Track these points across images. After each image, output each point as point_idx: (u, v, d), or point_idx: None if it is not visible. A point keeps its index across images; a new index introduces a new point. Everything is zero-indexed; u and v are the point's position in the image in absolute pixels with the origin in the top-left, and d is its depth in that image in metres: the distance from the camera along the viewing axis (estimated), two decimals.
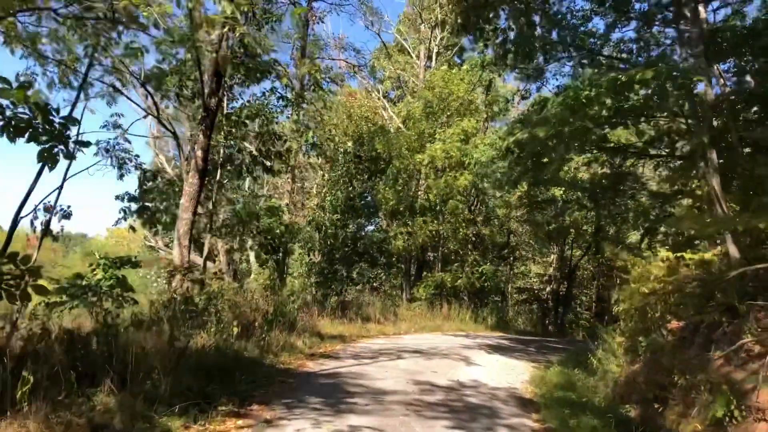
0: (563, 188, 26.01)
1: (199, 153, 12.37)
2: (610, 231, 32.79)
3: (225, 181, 14.67)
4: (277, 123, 14.13)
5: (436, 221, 24.27)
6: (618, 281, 41.10)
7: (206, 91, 12.56)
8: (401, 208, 24.76)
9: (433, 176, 24.10)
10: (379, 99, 29.20)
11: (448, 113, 24.81)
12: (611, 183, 24.52)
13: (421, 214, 24.32)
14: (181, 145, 12.83)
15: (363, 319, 17.45)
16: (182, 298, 10.31)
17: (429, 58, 30.77)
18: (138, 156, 14.01)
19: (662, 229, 26.79)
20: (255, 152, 14.31)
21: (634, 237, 34.99)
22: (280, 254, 15.02)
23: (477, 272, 24.68)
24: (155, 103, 12.58)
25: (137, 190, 13.76)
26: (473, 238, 25.14)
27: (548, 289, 36.82)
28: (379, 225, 29.29)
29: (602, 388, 10.11)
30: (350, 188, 26.11)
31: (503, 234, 27.47)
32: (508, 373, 11.97)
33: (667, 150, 20.79)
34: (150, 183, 13.87)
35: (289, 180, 18.50)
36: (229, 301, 12.03)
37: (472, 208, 25.68)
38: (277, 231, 13.46)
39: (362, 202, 26.67)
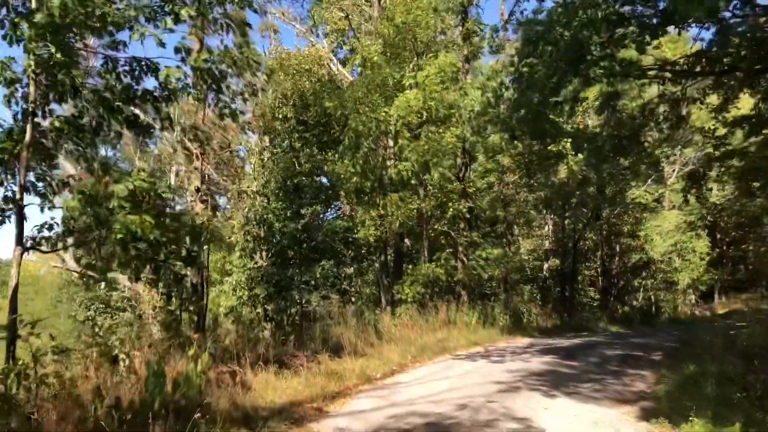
0: (570, 139, 20.29)
1: None
2: (608, 192, 27.17)
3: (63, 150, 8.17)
4: (137, 30, 7.67)
5: (416, 197, 18.14)
6: (620, 249, 35.71)
7: None
8: (367, 185, 18.53)
9: (407, 135, 17.85)
10: (324, 50, 22.78)
11: (418, 51, 18.62)
12: (638, 124, 18.89)
13: (394, 190, 18.16)
14: None
15: (331, 352, 11.20)
16: None
17: None
18: None
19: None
20: (105, 92, 7.88)
21: (634, 195, 29.57)
22: (173, 272, 8.73)
23: (479, 258, 18.68)
24: None
25: None
26: (467, 215, 19.04)
27: (545, 266, 31.16)
28: (341, 210, 23.11)
29: None
30: (294, 167, 19.85)
31: (501, 206, 21.41)
32: None
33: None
34: None
35: (196, 149, 12.10)
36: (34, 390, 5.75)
37: (463, 175, 19.58)
38: (151, 236, 6.98)
39: (315, 182, 20.40)
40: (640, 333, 18.97)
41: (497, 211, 19.19)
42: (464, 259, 19.31)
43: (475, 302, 18.60)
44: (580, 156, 20.78)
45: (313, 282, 19.95)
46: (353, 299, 22.19)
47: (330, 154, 20.02)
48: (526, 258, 29.09)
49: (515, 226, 25.89)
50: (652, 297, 36.07)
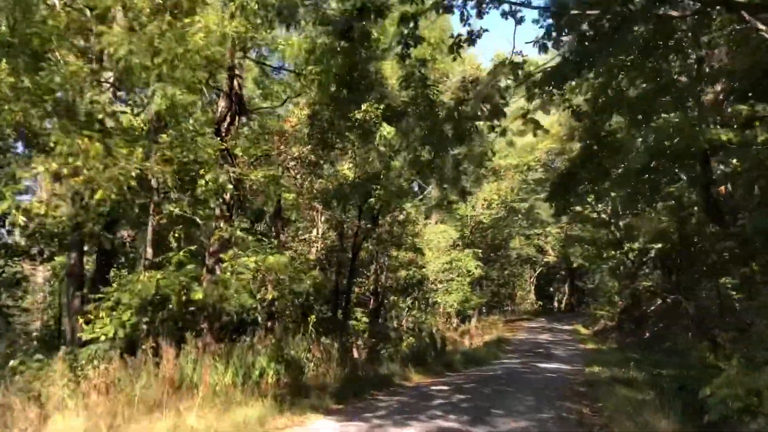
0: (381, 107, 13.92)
1: None
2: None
3: None
4: None
5: (140, 149, 9.84)
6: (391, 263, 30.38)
7: None
8: (44, 117, 9.69)
9: (124, 25, 9.45)
10: None
11: None
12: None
13: (99, 131, 9.67)
14: None
15: None
16: None
17: None
18: None
19: None
20: None
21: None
22: None
23: (242, 266, 11.01)
24: None
25: None
26: (229, 193, 11.22)
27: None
28: None
29: None
30: None
31: (283, 188, 13.79)
32: None
33: None
34: None
35: None
36: None
37: (227, 128, 11.73)
38: None
39: None
40: (467, 391, 13.02)
41: (281, 195, 11.66)
42: (214, 266, 11.48)
43: (227, 343, 10.86)
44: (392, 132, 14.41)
45: None
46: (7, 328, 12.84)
47: None
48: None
49: (288, 225, 18.56)
50: (416, 319, 31.96)
